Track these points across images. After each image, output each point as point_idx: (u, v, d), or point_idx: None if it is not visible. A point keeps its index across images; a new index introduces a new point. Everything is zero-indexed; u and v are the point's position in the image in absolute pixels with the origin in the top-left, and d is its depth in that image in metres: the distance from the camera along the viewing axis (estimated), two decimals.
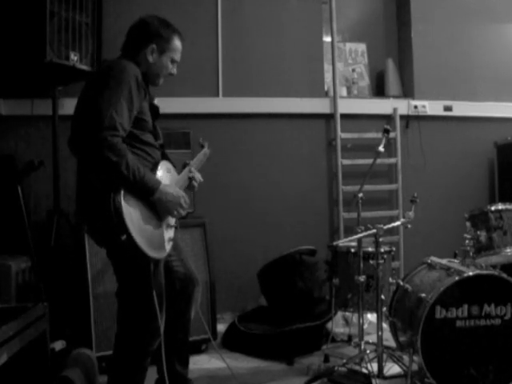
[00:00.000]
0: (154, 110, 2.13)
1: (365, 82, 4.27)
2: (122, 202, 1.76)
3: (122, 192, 1.78)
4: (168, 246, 2.00)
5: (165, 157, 2.16)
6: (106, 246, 2.01)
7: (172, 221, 2.07)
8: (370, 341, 2.81)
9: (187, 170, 2.24)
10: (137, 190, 1.85)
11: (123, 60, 2.02)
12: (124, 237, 1.74)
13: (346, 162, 3.91)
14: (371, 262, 2.64)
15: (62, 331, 2.73)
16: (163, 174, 2.04)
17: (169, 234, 2.03)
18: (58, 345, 2.61)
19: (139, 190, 1.86)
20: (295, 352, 2.95)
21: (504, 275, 2.35)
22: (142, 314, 1.96)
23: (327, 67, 4.07)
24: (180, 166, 2.27)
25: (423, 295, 2.33)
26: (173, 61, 2.15)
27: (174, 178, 2.13)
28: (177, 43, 2.15)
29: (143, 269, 1.90)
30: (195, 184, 2.25)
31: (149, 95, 2.08)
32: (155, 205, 1.92)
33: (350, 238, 2.68)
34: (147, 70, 2.08)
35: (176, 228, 2.09)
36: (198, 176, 2.27)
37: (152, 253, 1.84)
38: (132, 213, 1.80)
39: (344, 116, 3.96)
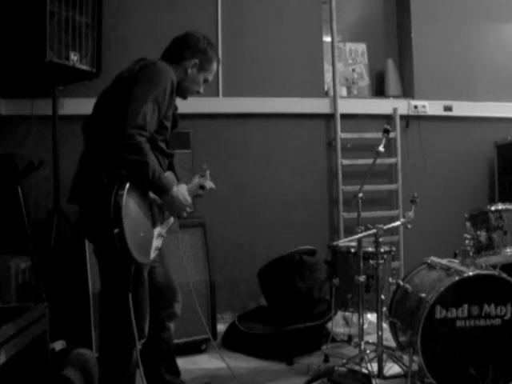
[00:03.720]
0: (174, 120, 2.16)
1: (365, 82, 4.27)
2: (124, 198, 1.77)
3: (126, 188, 1.80)
4: (153, 254, 2.02)
5: (171, 167, 2.19)
6: (94, 238, 2.01)
7: (163, 231, 2.10)
8: (370, 341, 2.81)
9: (196, 182, 2.27)
10: (152, 189, 1.92)
11: (164, 62, 2.05)
12: (116, 230, 1.75)
13: (346, 162, 3.91)
14: (371, 262, 2.64)
15: (62, 331, 2.73)
16: None
17: (157, 242, 2.05)
18: (58, 345, 2.61)
19: (154, 189, 1.92)
20: (295, 352, 2.95)
21: (504, 275, 2.36)
22: (121, 316, 1.94)
23: (327, 67, 4.07)
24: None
25: (423, 295, 2.33)
26: (205, 80, 2.21)
27: None
28: (215, 66, 2.23)
29: (124, 269, 1.89)
30: (201, 193, 2.28)
31: (175, 105, 2.13)
32: (164, 205, 1.99)
33: (350, 238, 2.69)
34: (181, 81, 2.12)
35: (163, 236, 2.12)
36: (210, 184, 2.31)
37: (137, 255, 1.84)
38: (129, 211, 1.81)
39: (344, 116, 3.96)
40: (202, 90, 2.23)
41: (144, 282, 2.02)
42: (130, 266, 1.89)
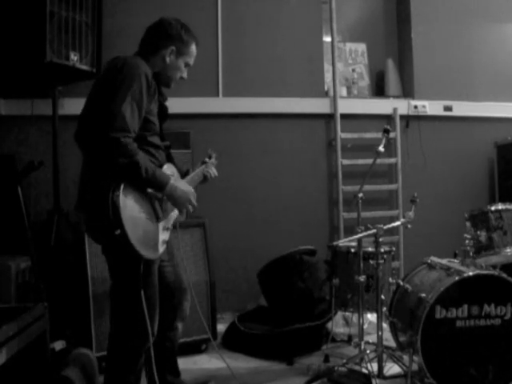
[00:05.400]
0: (163, 110, 2.14)
1: (365, 82, 4.27)
2: (120, 198, 1.77)
3: (122, 188, 1.79)
4: (161, 248, 2.00)
5: (170, 159, 2.17)
6: (102, 240, 2.00)
7: (169, 223, 2.08)
8: (370, 341, 2.81)
9: (200, 170, 2.28)
10: (148, 186, 1.90)
11: (136, 57, 2.01)
12: (118, 231, 1.75)
13: (346, 162, 3.92)
14: (371, 262, 2.64)
15: (62, 331, 2.73)
16: None
17: (164, 236, 2.04)
18: (58, 345, 2.61)
19: (151, 186, 1.91)
20: (295, 352, 2.95)
21: (504, 275, 2.35)
22: (131, 313, 1.95)
23: (327, 67, 4.07)
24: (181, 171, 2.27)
25: (423, 295, 2.33)
26: (186, 64, 2.17)
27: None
28: (194, 48, 2.18)
29: (134, 267, 1.89)
30: (207, 175, 2.32)
31: (160, 96, 2.11)
32: (168, 199, 1.97)
33: (350, 238, 2.69)
34: (161, 70, 2.10)
35: (171, 228, 2.11)
36: (214, 171, 2.34)
37: (144, 252, 1.84)
38: (129, 209, 1.81)
39: (344, 116, 3.96)
40: (185, 75, 2.19)
41: (154, 281, 2.02)
42: (138, 264, 1.88)
